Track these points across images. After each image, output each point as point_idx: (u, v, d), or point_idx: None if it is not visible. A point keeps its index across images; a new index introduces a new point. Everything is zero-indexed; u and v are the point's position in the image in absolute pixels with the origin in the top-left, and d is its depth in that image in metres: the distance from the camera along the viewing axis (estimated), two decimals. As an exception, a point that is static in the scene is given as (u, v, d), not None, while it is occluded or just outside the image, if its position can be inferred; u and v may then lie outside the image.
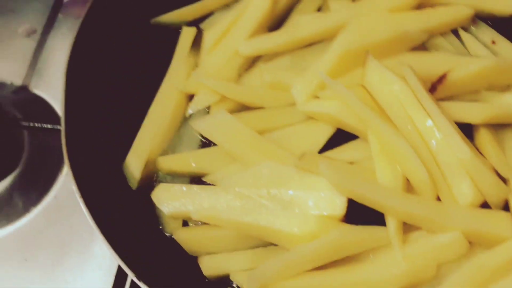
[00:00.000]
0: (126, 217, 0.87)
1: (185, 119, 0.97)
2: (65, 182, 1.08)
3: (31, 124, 1.05)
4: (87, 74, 0.94)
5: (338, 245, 0.80)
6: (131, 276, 0.76)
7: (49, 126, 1.05)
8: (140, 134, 0.94)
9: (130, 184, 0.91)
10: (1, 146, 1.09)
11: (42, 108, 1.15)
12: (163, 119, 0.94)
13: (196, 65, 1.00)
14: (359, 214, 0.82)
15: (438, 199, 0.82)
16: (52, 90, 1.17)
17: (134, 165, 0.91)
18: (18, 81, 1.19)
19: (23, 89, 1.18)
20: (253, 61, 0.98)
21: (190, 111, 0.96)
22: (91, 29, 0.94)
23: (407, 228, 0.82)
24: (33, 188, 1.08)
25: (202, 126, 0.91)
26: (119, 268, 0.96)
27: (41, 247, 1.03)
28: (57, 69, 1.19)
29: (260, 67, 0.97)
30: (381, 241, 0.81)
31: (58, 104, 1.15)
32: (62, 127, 0.86)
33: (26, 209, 1.06)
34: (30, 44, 1.23)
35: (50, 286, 1.00)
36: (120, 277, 0.97)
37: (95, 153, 0.89)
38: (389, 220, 0.80)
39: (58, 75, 1.14)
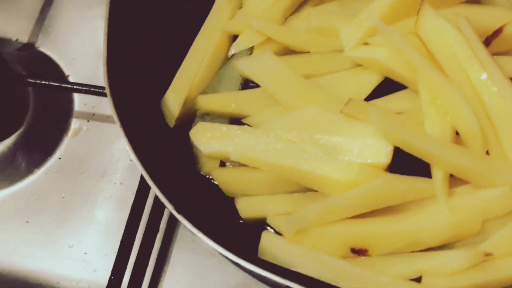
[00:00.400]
0: (163, 154, 0.85)
1: (227, 59, 0.94)
2: (70, 143, 1.06)
3: (37, 81, 1.00)
4: (129, 11, 0.90)
5: (380, 194, 0.78)
6: (170, 209, 0.74)
7: (55, 84, 1.00)
8: (180, 71, 0.92)
9: (167, 121, 0.89)
10: (6, 103, 1.06)
11: (49, 66, 1.14)
12: (204, 58, 0.92)
13: (240, 5, 0.97)
14: (404, 165, 0.79)
15: (488, 154, 0.79)
16: (59, 48, 1.15)
17: (173, 101, 0.89)
18: (24, 38, 1.17)
19: (29, 47, 1.16)
20: (300, 4, 0.95)
21: (232, 51, 0.93)
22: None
23: (453, 182, 0.79)
24: (37, 148, 1.06)
25: (246, 66, 0.89)
26: (125, 232, 0.92)
27: (44, 210, 1.01)
28: (64, 27, 1.18)
29: (308, 11, 0.93)
30: (425, 193, 0.79)
31: (64, 63, 1.13)
32: (104, 57, 0.83)
33: (29, 170, 1.04)
34: (37, 1, 1.21)
35: (52, 249, 0.98)
36: (125, 243, 0.92)
37: (136, 85, 0.86)
38: (435, 171, 0.78)
39: (65, 33, 1.16)
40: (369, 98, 0.87)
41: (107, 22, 0.85)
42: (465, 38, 0.81)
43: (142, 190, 0.94)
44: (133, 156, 0.76)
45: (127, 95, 0.83)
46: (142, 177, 0.93)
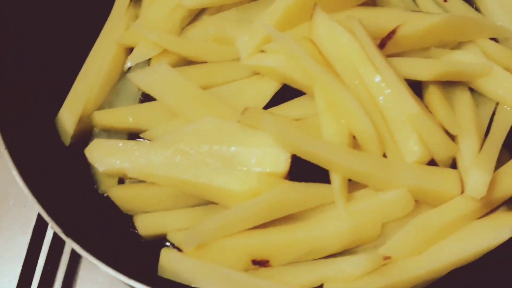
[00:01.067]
0: (58, 175, 0.83)
1: (123, 73, 0.92)
2: None
3: None
4: (18, 22, 0.88)
5: (280, 202, 0.77)
6: (58, 232, 0.71)
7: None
8: (75, 86, 0.89)
9: (63, 139, 0.86)
10: None
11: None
12: (99, 72, 0.89)
13: (136, 16, 0.95)
14: (303, 172, 0.79)
15: (385, 156, 0.79)
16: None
17: (67, 119, 0.86)
18: None
19: None
20: (197, 14, 0.94)
21: (128, 64, 0.91)
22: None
23: (352, 186, 0.79)
24: None
25: (141, 79, 0.87)
26: (24, 262, 0.89)
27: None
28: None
29: (205, 20, 0.92)
30: (324, 199, 0.78)
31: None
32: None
33: None
34: None
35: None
36: (25, 273, 0.89)
37: (25, 106, 0.84)
38: (333, 176, 0.77)
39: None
40: (268, 106, 0.86)
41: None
42: (358, 41, 0.81)
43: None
44: (17, 178, 0.73)
45: (15, 116, 0.81)
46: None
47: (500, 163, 0.80)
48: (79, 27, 0.93)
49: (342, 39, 0.81)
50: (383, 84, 0.79)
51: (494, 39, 0.90)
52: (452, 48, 0.88)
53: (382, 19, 0.88)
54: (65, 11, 0.93)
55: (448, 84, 0.86)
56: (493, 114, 0.86)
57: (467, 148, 0.79)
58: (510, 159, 0.81)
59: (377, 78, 0.79)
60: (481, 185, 0.75)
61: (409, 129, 0.78)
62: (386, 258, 0.74)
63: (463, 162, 0.78)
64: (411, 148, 0.78)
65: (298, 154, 0.77)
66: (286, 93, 0.87)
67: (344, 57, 0.81)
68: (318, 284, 0.74)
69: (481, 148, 0.80)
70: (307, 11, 0.84)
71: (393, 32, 0.84)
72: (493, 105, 0.87)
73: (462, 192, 0.76)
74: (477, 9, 0.95)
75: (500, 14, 0.93)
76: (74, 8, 0.94)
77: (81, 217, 0.79)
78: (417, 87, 0.84)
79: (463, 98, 0.86)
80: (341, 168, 0.77)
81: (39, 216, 0.88)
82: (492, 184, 0.76)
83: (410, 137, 0.78)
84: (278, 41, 0.83)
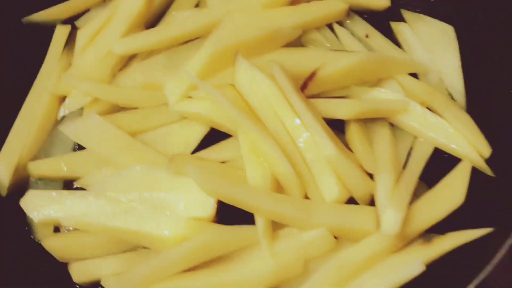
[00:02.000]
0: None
1: (58, 121, 0.95)
2: None
3: None
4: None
5: (208, 246, 0.81)
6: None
7: None
8: (9, 138, 0.92)
9: (-1, 190, 0.89)
10: None
11: None
12: (33, 122, 0.92)
13: (69, 64, 0.97)
14: (231, 213, 0.82)
15: (307, 197, 0.83)
16: None
17: (3, 171, 0.89)
18: None
19: None
20: (128, 60, 0.97)
21: (61, 113, 0.94)
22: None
23: (277, 225, 0.83)
24: None
25: (72, 130, 0.90)
26: None
27: None
28: None
29: (134, 66, 0.95)
30: (250, 240, 0.82)
31: None
32: None
33: None
34: None
35: None
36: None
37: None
38: (258, 219, 0.81)
39: None
40: (198, 149, 0.90)
41: None
42: (278, 86, 0.84)
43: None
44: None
45: None
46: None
47: (416, 196, 0.85)
48: (13, 77, 0.95)
49: (263, 86, 0.85)
50: (302, 127, 0.83)
51: (414, 75, 0.94)
52: (372, 86, 0.92)
53: (304, 60, 0.91)
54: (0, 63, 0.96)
55: (369, 120, 0.90)
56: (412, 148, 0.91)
57: (383, 186, 0.83)
58: (427, 191, 0.86)
59: (297, 121, 0.83)
60: (394, 223, 0.79)
61: (328, 170, 0.82)
62: (308, 296, 0.78)
63: (379, 200, 0.82)
64: (330, 188, 0.82)
65: (222, 199, 0.81)
66: (215, 135, 0.90)
67: (265, 102, 0.85)
68: (244, 323, 0.78)
69: (398, 183, 0.84)
70: (231, 58, 0.87)
71: (314, 73, 0.88)
72: (412, 139, 0.91)
73: (379, 229, 0.80)
74: (398, 43, 0.99)
75: (419, 49, 0.97)
76: (8, 57, 0.97)
77: (17, 267, 0.81)
78: (340, 123, 0.89)
79: (382, 133, 0.90)
80: (264, 212, 0.80)
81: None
82: (407, 218, 0.80)
83: (328, 178, 0.82)
84: (201, 89, 0.87)
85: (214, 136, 0.90)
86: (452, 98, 0.94)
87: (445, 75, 0.95)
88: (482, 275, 0.74)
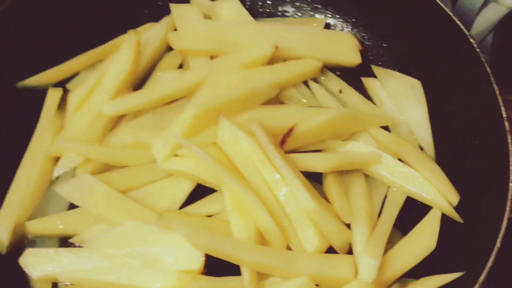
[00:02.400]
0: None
1: (52, 181, 0.99)
2: None
3: None
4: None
5: (196, 298, 0.86)
6: None
7: None
8: (7, 198, 0.96)
9: (-1, 249, 0.94)
10: None
11: None
12: (30, 183, 0.97)
13: (62, 126, 1.02)
14: (219, 265, 0.87)
15: (290, 248, 0.89)
16: None
17: (2, 230, 0.93)
18: None
19: None
20: (117, 120, 1.02)
21: (56, 174, 0.99)
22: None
23: (262, 275, 0.88)
24: None
25: (66, 190, 0.94)
26: None
27: None
28: None
29: (123, 126, 1.01)
30: (237, 291, 0.87)
31: None
32: None
33: None
34: None
35: None
36: None
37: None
38: (244, 270, 0.86)
39: None
40: (186, 203, 0.95)
41: None
42: (258, 143, 0.90)
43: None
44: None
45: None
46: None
47: (392, 243, 0.91)
48: (10, 140, 1.00)
49: (244, 143, 0.91)
50: (282, 182, 0.88)
51: (386, 127, 1.01)
52: (346, 139, 0.98)
53: (282, 117, 0.98)
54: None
55: (344, 172, 0.96)
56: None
57: (359, 235, 0.89)
58: (401, 238, 0.92)
59: (276, 176, 0.89)
60: (370, 270, 0.84)
61: (307, 222, 0.87)
62: None
63: (356, 248, 0.88)
64: (310, 239, 0.87)
65: (209, 253, 0.86)
66: (201, 191, 0.96)
67: (246, 159, 0.91)
68: None
69: (373, 232, 0.90)
70: (214, 117, 0.93)
71: (291, 130, 0.94)
72: (385, 188, 0.97)
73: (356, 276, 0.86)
74: (369, 98, 1.06)
75: (388, 103, 1.04)
76: (4, 120, 1.02)
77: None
78: (319, 174, 0.95)
79: (357, 184, 0.96)
80: (248, 264, 0.86)
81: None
82: (382, 265, 0.86)
83: (308, 229, 0.87)
84: (186, 148, 0.93)
85: (200, 191, 0.96)
86: (422, 148, 1.01)
87: (414, 127, 1.02)
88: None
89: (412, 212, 0.95)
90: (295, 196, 0.88)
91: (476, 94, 0.95)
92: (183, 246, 0.88)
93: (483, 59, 0.93)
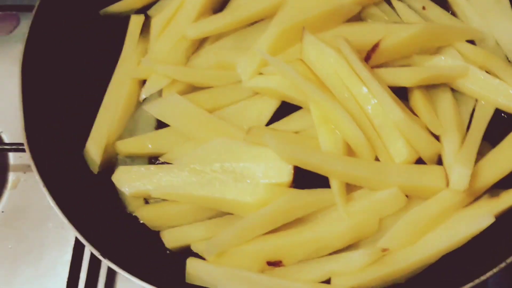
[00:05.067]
0: (90, 201, 0.92)
1: (139, 103, 1.02)
2: (10, 196, 1.12)
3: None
4: (42, 68, 0.98)
5: (287, 209, 0.87)
6: (96, 254, 0.82)
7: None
8: (97, 121, 0.99)
9: (91, 169, 0.97)
10: None
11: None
12: (118, 105, 0.99)
13: (146, 51, 1.04)
14: (307, 179, 0.89)
15: (378, 159, 0.89)
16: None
17: (94, 150, 0.96)
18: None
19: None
20: (200, 43, 1.03)
21: (143, 95, 1.01)
22: (42, 25, 0.99)
23: (350, 188, 0.89)
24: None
25: (155, 109, 0.97)
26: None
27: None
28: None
29: (206, 48, 1.02)
30: (326, 202, 0.88)
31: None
32: (21, 120, 0.91)
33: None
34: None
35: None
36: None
37: (56, 141, 0.94)
38: (332, 182, 0.87)
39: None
40: (271, 121, 0.96)
41: (20, 76, 0.94)
42: (344, 58, 0.90)
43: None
44: (54, 207, 0.84)
45: (47, 149, 0.91)
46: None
47: (481, 154, 0.89)
48: (97, 66, 1.03)
49: (330, 59, 0.90)
50: (370, 95, 0.88)
51: (471, 41, 0.99)
52: (432, 54, 0.97)
53: (366, 33, 0.96)
54: (84, 54, 1.03)
55: (431, 87, 0.95)
56: (474, 110, 0.95)
57: (450, 146, 0.88)
58: (490, 150, 0.91)
59: (364, 90, 0.88)
60: (463, 179, 0.84)
61: (396, 134, 0.87)
62: (384, 250, 0.83)
63: (447, 159, 0.87)
64: (399, 150, 0.87)
65: (299, 165, 0.87)
66: (286, 109, 0.96)
67: (333, 74, 0.90)
68: (326, 278, 0.84)
69: (463, 143, 0.89)
70: (298, 34, 0.93)
71: (376, 45, 0.93)
72: (473, 102, 0.95)
73: (448, 185, 0.86)
74: (453, 13, 1.04)
75: (474, 17, 1.01)
76: (89, 47, 1.04)
77: (113, 237, 0.89)
78: (403, 91, 0.94)
79: (445, 98, 0.94)
80: (338, 175, 0.86)
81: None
82: (473, 175, 0.85)
83: (397, 141, 0.87)
84: (272, 65, 0.93)
85: (285, 109, 0.96)
86: (509, 60, 0.98)
87: (501, 39, 0.99)
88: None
89: (500, 125, 0.93)
90: (383, 109, 0.88)
91: None
92: (272, 159, 0.89)
93: None
